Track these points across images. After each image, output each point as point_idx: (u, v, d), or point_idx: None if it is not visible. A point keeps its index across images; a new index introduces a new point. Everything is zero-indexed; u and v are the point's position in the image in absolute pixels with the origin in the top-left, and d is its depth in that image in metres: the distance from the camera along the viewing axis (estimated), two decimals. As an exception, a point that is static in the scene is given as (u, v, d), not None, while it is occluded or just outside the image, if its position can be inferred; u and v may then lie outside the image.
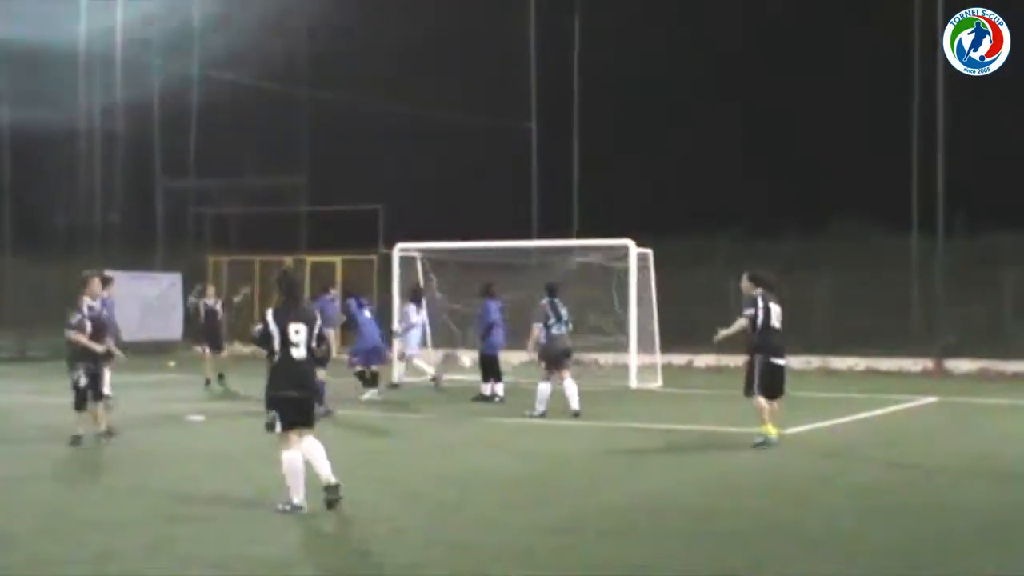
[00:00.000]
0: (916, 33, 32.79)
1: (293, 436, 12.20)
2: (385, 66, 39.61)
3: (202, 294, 27.07)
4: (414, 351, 26.49)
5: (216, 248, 41.65)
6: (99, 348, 17.08)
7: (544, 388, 20.80)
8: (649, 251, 27.90)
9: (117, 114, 37.67)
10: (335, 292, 24.11)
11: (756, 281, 17.40)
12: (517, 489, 13.93)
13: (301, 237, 42.13)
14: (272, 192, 43.26)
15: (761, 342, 17.12)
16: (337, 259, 37.62)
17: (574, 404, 20.77)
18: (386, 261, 31.15)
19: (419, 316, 26.59)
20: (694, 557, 10.72)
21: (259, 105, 40.24)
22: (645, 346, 27.71)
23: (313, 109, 41.97)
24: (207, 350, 25.90)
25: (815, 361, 32.00)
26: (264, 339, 12.20)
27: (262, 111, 40.65)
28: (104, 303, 22.46)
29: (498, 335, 24.06)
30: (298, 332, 12.21)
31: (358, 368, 23.70)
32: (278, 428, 12.19)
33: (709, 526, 11.90)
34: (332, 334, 24.07)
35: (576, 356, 32.67)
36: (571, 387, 20.94)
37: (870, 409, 22.46)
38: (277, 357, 12.18)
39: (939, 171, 32.07)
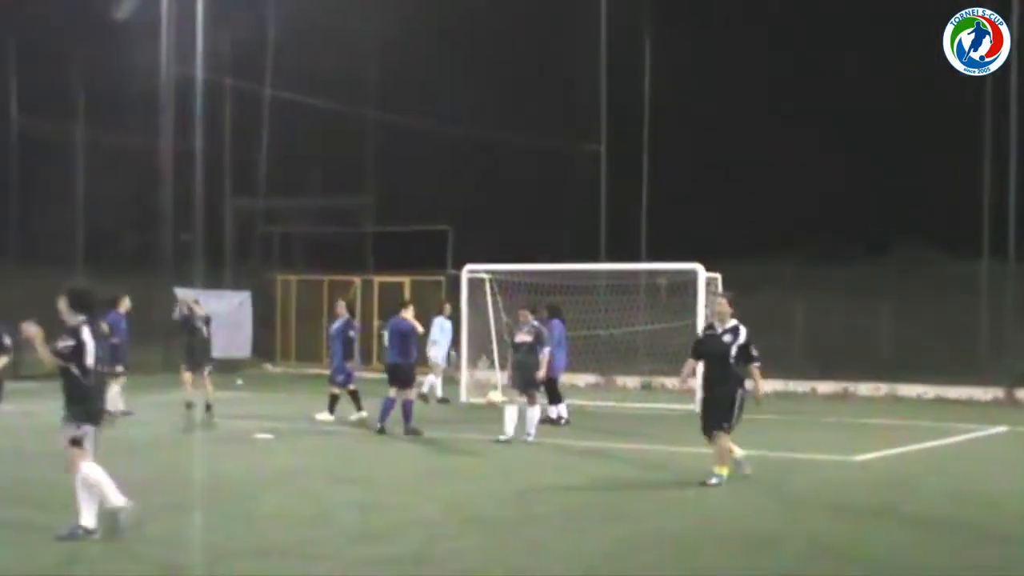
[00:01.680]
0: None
1: (88, 451, 12.06)
2: (454, 88, 39.76)
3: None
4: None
5: (284, 267, 41.99)
6: None
7: (534, 411, 20.73)
8: (718, 275, 27.79)
9: (191, 134, 38.03)
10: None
11: (736, 306, 15.87)
12: (577, 512, 13.94)
13: (369, 257, 42.33)
14: (341, 212, 43.48)
15: (742, 373, 15.80)
16: (405, 279, 37.77)
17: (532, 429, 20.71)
18: (455, 282, 31.26)
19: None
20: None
21: (328, 125, 40.48)
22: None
23: (382, 130, 42.18)
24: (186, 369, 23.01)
25: (883, 388, 31.71)
26: (77, 354, 11.95)
27: (331, 131, 40.90)
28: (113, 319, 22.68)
29: (560, 357, 24.03)
30: (98, 348, 12.13)
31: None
32: (87, 444, 11.98)
33: (769, 552, 11.84)
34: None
35: (650, 379, 32.98)
36: (537, 412, 20.99)
37: (938, 438, 22.21)
38: (92, 372, 12.02)
39: (1011, 195, 31.69)
